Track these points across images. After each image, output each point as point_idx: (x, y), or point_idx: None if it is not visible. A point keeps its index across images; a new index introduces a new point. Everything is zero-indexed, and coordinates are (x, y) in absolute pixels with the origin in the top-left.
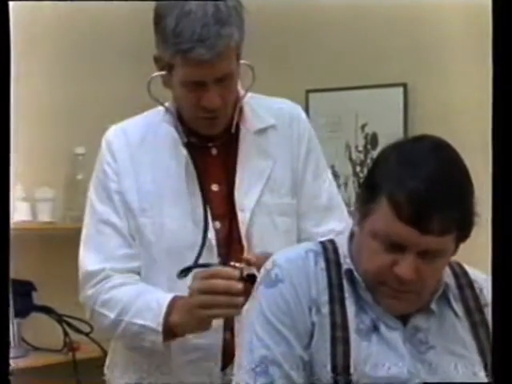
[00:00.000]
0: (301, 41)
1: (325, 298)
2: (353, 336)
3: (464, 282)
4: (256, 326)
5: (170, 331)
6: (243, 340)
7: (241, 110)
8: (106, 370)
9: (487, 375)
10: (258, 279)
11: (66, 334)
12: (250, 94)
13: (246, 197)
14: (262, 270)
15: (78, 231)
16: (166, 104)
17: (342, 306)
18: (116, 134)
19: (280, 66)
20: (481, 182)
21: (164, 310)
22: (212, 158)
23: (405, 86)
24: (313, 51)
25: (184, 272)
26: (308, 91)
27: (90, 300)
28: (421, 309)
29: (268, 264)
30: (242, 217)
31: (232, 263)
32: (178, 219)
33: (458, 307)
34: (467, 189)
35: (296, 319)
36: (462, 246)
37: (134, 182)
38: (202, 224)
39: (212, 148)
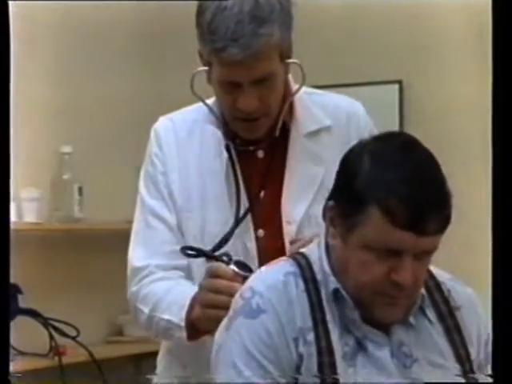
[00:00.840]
0: (295, 38)
1: (309, 323)
2: (338, 361)
3: (431, 284)
4: (237, 361)
5: (193, 327)
6: (221, 375)
7: (291, 109)
8: (157, 364)
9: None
10: (234, 308)
11: (51, 337)
12: (304, 89)
13: (294, 208)
14: (239, 299)
15: (65, 232)
16: (210, 102)
17: (325, 329)
18: (165, 126)
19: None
20: (479, 181)
21: (187, 304)
22: (258, 162)
23: (400, 83)
24: (306, 48)
25: (186, 249)
26: None
27: (133, 296)
28: (399, 321)
29: (245, 292)
30: (289, 230)
31: (235, 269)
32: (220, 224)
33: (431, 314)
34: (445, 181)
35: (280, 353)
36: (461, 248)
37: (179, 177)
38: (242, 232)
39: (258, 150)
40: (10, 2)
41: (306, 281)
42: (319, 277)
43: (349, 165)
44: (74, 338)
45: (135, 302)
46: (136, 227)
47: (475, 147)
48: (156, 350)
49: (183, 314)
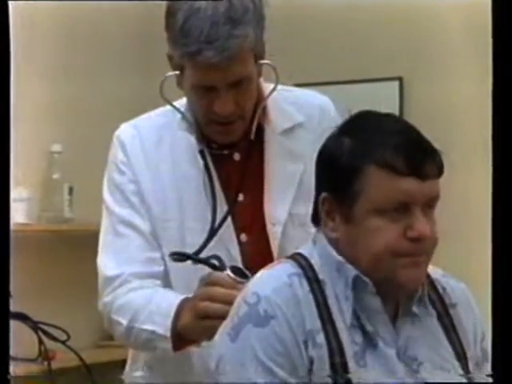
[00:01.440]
0: (292, 34)
1: (318, 324)
2: (350, 363)
3: (426, 282)
4: (252, 375)
5: (180, 337)
6: None
7: (264, 109)
8: (128, 369)
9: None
10: (239, 315)
11: (41, 342)
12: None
13: (277, 208)
14: (243, 304)
15: (55, 233)
16: (179, 104)
17: (333, 329)
18: (129, 134)
19: (271, 60)
20: (480, 180)
21: (173, 312)
22: (235, 165)
23: (400, 79)
24: (304, 44)
25: (176, 256)
26: (298, 86)
27: (107, 307)
28: (404, 313)
29: (249, 297)
30: (274, 232)
31: (233, 276)
32: (200, 233)
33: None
34: None
35: (295, 359)
36: (461, 247)
37: (152, 187)
38: (224, 238)
39: (234, 153)
40: (10, 3)
41: (309, 281)
42: (321, 276)
43: (329, 151)
44: (63, 343)
45: (109, 314)
46: (104, 237)
47: (477, 146)
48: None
49: (168, 323)
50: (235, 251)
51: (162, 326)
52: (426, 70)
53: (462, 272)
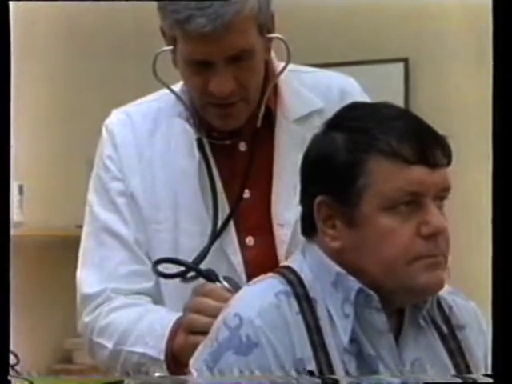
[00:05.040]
0: (296, 15)
1: (308, 352)
2: None
3: (430, 298)
4: None
5: (176, 360)
6: None
7: (276, 92)
8: None
9: None
10: (218, 339)
11: None
12: (289, 67)
13: (287, 207)
14: (223, 327)
15: None
16: (177, 88)
17: (326, 357)
18: (119, 122)
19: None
20: (485, 164)
21: (167, 332)
22: (240, 156)
23: (406, 61)
24: (308, 25)
25: (159, 262)
26: None
27: (87, 329)
28: (409, 326)
29: (230, 319)
30: (282, 234)
31: (226, 285)
32: (197, 237)
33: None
34: None
35: None
36: (462, 247)
37: (142, 183)
38: (224, 243)
39: (239, 143)
40: (10, 3)
41: (299, 300)
42: (312, 294)
43: (320, 151)
44: (12, 367)
45: (91, 336)
46: (85, 244)
47: (486, 131)
48: (112, 380)
49: (163, 344)
50: (237, 258)
51: (155, 348)
52: (432, 52)
53: (462, 271)
